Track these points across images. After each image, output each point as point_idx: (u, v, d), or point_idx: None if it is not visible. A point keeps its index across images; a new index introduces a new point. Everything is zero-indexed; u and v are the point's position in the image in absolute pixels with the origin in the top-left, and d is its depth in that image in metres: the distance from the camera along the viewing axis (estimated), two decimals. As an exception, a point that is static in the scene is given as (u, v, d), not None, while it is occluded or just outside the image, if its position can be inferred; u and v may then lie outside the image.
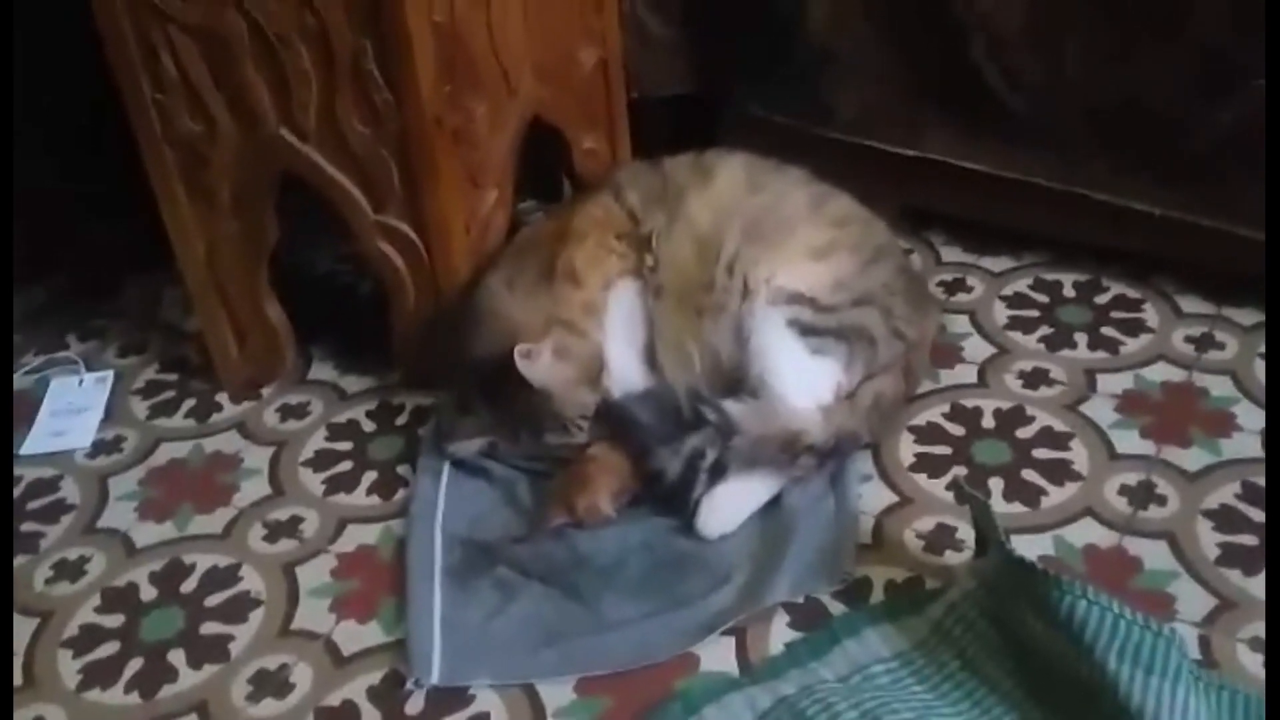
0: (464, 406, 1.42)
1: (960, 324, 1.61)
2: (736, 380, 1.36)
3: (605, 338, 1.38)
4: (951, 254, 1.75)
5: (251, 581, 1.35)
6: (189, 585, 1.36)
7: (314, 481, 1.47)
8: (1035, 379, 1.51)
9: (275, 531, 1.41)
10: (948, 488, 1.37)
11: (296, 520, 1.42)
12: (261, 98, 1.40)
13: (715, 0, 1.78)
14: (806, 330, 1.34)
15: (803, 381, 1.33)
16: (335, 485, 1.46)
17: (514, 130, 1.52)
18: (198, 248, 1.52)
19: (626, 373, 1.38)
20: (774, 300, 1.35)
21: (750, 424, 1.31)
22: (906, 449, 1.43)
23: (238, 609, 1.31)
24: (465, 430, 1.41)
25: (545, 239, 1.45)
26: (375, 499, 1.44)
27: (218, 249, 1.52)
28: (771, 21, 1.71)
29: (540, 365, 1.31)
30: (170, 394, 1.64)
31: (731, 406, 1.32)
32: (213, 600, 1.34)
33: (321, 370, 1.63)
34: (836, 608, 1.24)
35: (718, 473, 1.31)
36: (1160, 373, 1.50)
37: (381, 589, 1.31)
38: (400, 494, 1.43)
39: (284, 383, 1.61)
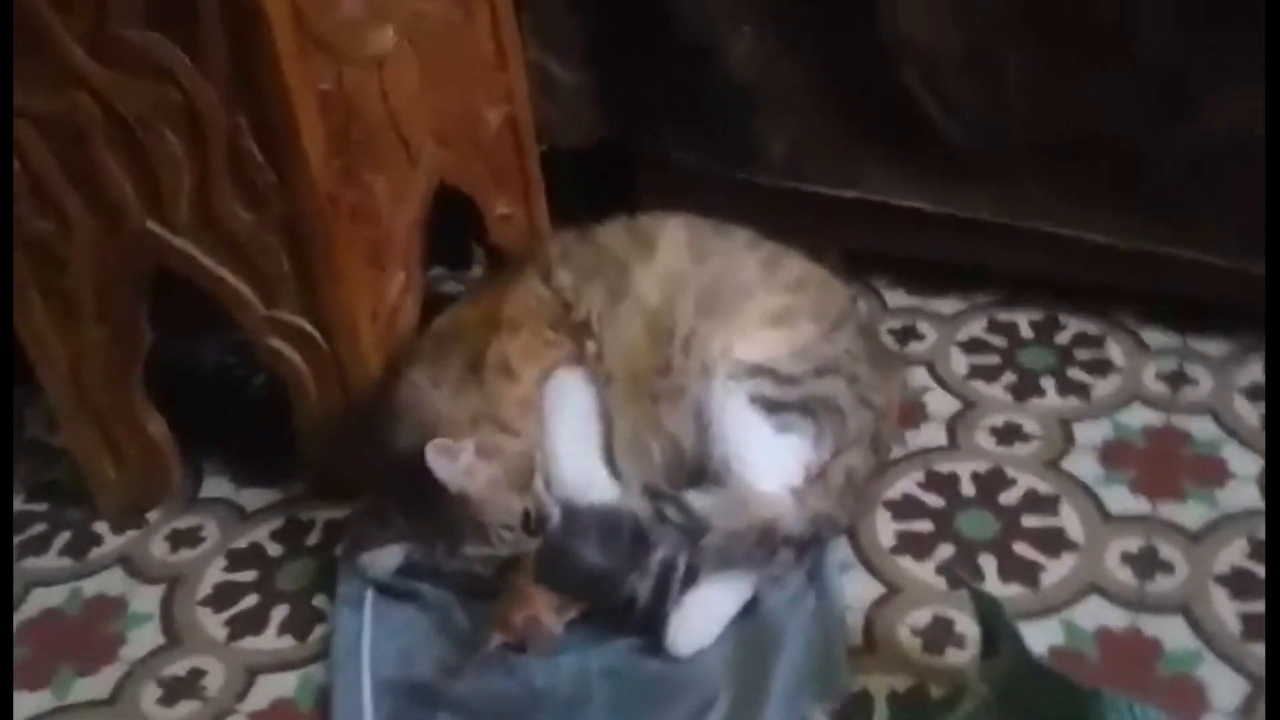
0: (379, 514, 1.24)
1: (920, 376, 1.49)
2: (699, 471, 1.21)
3: (547, 436, 1.22)
4: (897, 298, 1.64)
5: (150, 758, 1.15)
6: (74, 770, 1.15)
7: (215, 624, 1.28)
8: (1008, 434, 1.40)
9: (173, 691, 1.22)
10: (938, 571, 1.25)
11: (197, 674, 1.23)
12: (123, 189, 1.22)
13: (623, 39, 1.64)
14: (770, 406, 1.21)
15: (770, 462, 1.21)
16: (240, 627, 1.28)
17: (418, 202, 1.36)
18: (59, 360, 1.32)
19: (582, 473, 1.22)
20: (734, 374, 1.22)
21: (720, 518, 1.17)
22: (885, 529, 1.30)
23: (137, 797, 1.12)
24: (378, 539, 1.23)
25: (470, 327, 1.29)
26: (289, 640, 1.26)
27: (83, 360, 1.33)
28: (686, 60, 1.58)
29: (459, 466, 1.16)
30: (41, 527, 1.43)
31: (697, 500, 1.18)
32: (103, 787, 1.14)
33: (215, 486, 1.44)
34: (837, 730, 1.10)
35: (688, 580, 1.16)
36: (1138, 416, 1.40)
37: (305, 754, 1.13)
38: (318, 631, 1.26)
39: (172, 504, 1.42)
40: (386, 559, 1.23)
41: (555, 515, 1.19)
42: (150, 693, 1.22)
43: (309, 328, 1.28)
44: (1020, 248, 1.52)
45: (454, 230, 1.67)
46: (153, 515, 1.41)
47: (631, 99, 1.66)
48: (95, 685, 1.23)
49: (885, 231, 1.60)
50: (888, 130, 1.53)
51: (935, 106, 1.49)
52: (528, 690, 1.15)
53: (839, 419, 1.25)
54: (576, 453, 1.24)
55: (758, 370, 1.22)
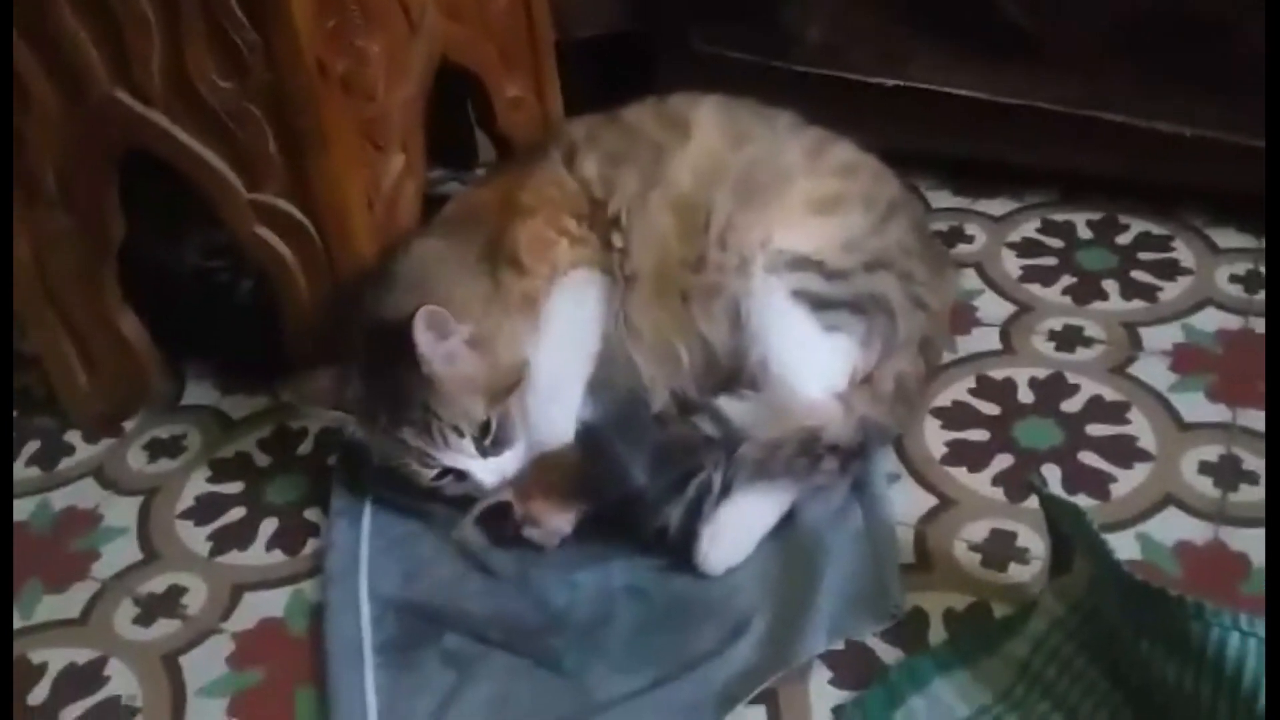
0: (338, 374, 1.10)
1: (968, 279, 1.37)
2: (733, 377, 1.09)
3: (538, 343, 1.10)
4: (942, 199, 1.51)
5: (122, 682, 1.05)
6: (40, 694, 1.05)
7: (196, 539, 1.17)
8: (1069, 339, 1.28)
9: (150, 609, 1.11)
10: (995, 482, 1.12)
11: (177, 592, 1.12)
12: (86, 53, 1.09)
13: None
14: (815, 302, 1.09)
15: (815, 365, 1.09)
16: (225, 541, 1.17)
17: (419, 77, 1.22)
18: (22, 252, 1.20)
19: (552, 395, 1.10)
20: (773, 267, 1.09)
21: (758, 425, 1.05)
22: (935, 438, 1.17)
23: (107, 721, 1.01)
24: (323, 390, 1.09)
25: (487, 210, 1.16)
26: (278, 555, 1.14)
27: (48, 253, 1.21)
28: (714, -66, 1.44)
29: (445, 345, 1.04)
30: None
31: (731, 406, 1.06)
32: (72, 713, 1.02)
33: (198, 393, 1.34)
34: (889, 653, 0.98)
35: (721, 494, 1.04)
36: (1212, 320, 1.28)
37: (296, 678, 1.02)
38: (310, 546, 1.14)
39: (150, 412, 1.31)
40: (319, 403, 1.09)
41: (516, 447, 1.07)
42: (125, 611, 1.11)
43: (297, 214, 1.15)
44: (1080, 141, 1.40)
45: (456, 126, 1.55)
46: (129, 424, 1.31)
47: (653, -20, 1.53)
48: (64, 603, 1.12)
49: (931, 125, 1.47)
50: (938, 9, 1.40)
51: (999, -15, 1.35)
52: (542, 610, 1.04)
53: (889, 319, 1.12)
54: (554, 369, 1.11)
55: (802, 262, 1.10)
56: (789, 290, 1.08)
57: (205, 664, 1.05)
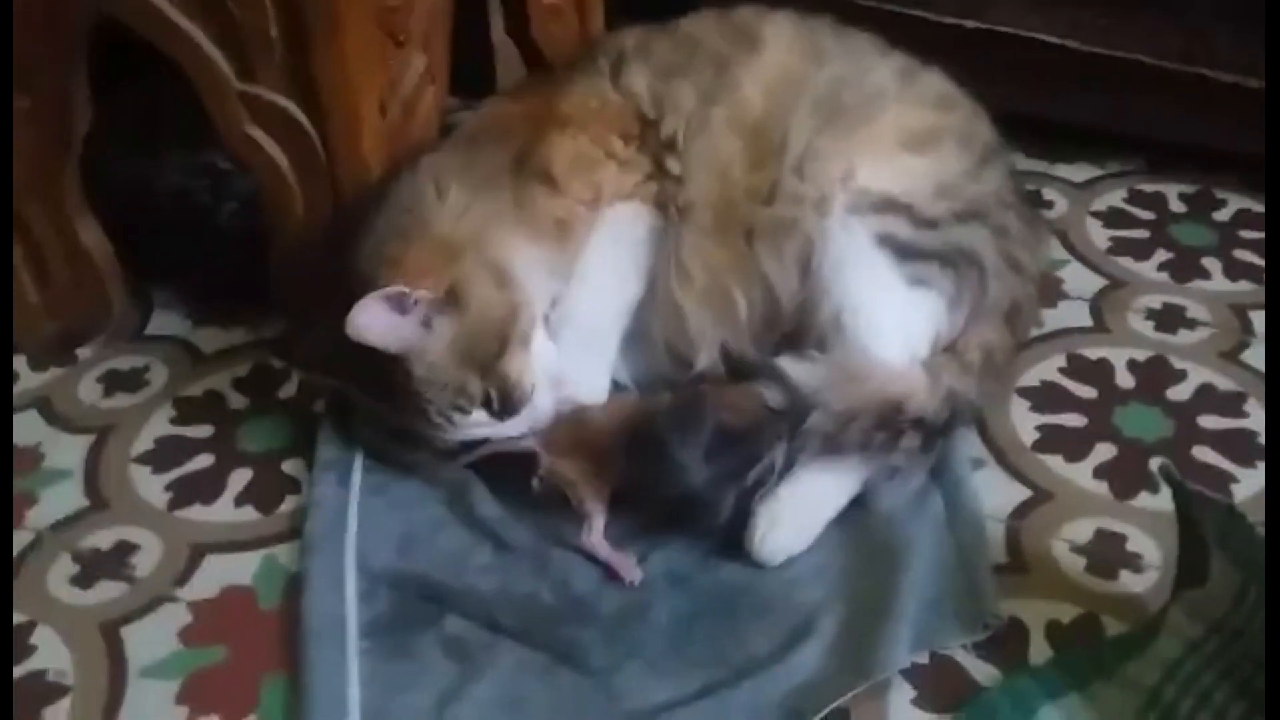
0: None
1: (1052, 248, 1.20)
2: (797, 334, 0.94)
3: (570, 282, 0.94)
4: (1016, 161, 1.33)
5: (51, 653, 0.88)
6: (-47, 660, 0.87)
7: (153, 488, 1.01)
8: (1170, 319, 1.14)
9: (92, 568, 0.94)
10: (1097, 474, 0.97)
11: (125, 549, 0.96)
12: (58, -104, 0.91)
13: None
14: (902, 252, 0.93)
15: (897, 323, 0.94)
16: (186, 493, 1.00)
17: (450, -36, 1.05)
18: (-34, 136, 1.02)
19: (591, 341, 0.96)
20: (856, 208, 0.93)
21: (828, 391, 0.88)
22: (1024, 421, 1.02)
23: (29, 702, 0.84)
24: (323, 355, 0.94)
25: (515, 122, 1.00)
26: (249, 513, 0.98)
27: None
28: None
29: (407, 321, 0.87)
30: (-61, 358, 1.14)
31: (796, 369, 0.90)
32: (-12, 685, 0.85)
33: (166, 321, 1.18)
34: (982, 670, 0.83)
35: (783, 474, 0.88)
36: (1332, 307, 1.13)
37: (263, 660, 0.86)
38: (288, 504, 0.98)
39: (109, 340, 1.15)
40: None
41: (541, 401, 0.91)
42: (61, 569, 0.93)
43: (297, 112, 1.00)
44: (1183, 103, 1.26)
45: (473, 48, 1.37)
46: (84, 352, 1.16)
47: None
48: (-9, 555, 0.95)
49: (1011, 75, 1.30)
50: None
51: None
52: (564, 594, 0.87)
53: (980, 277, 0.97)
54: (588, 315, 0.96)
55: (889, 204, 0.94)
56: (872, 235, 0.93)
57: (153, 638, 0.88)
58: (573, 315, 0.96)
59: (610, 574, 0.88)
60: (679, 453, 0.86)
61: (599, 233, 0.97)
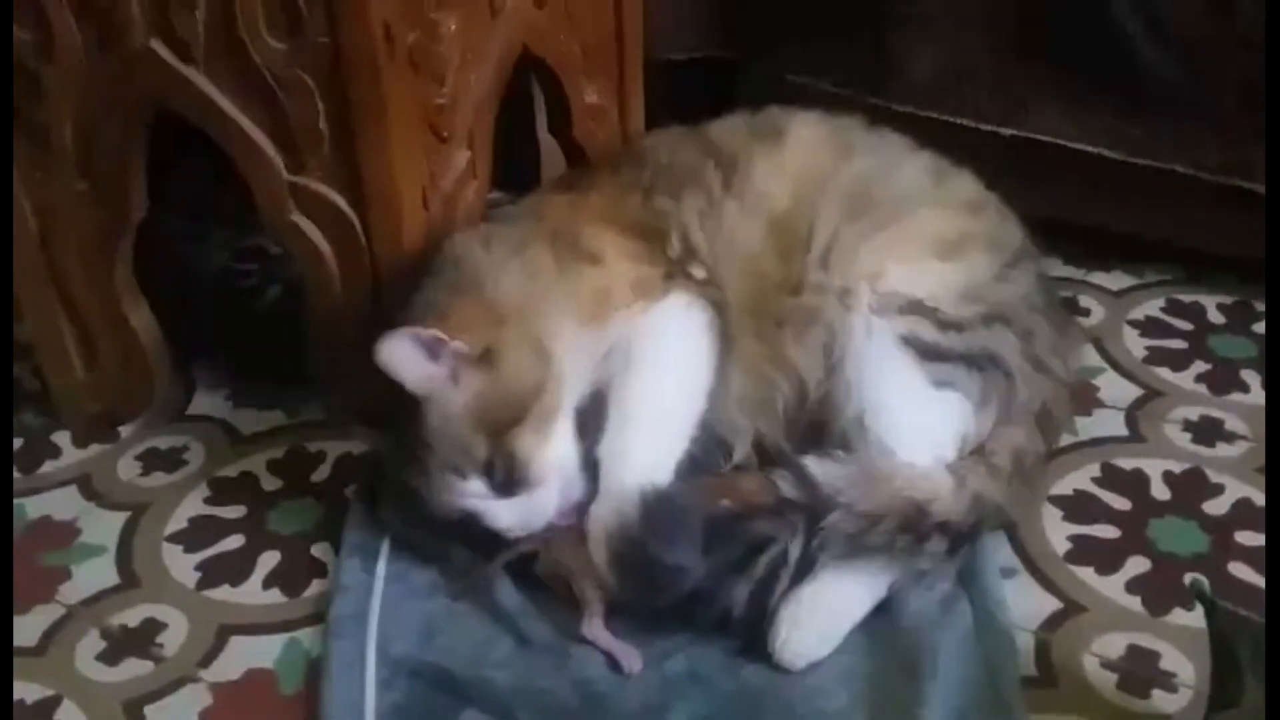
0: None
1: (1087, 355, 1.21)
2: (822, 431, 0.94)
3: (621, 384, 0.94)
4: (1052, 268, 1.34)
5: (73, 730, 0.88)
6: (-24, 734, 0.87)
7: (183, 567, 1.02)
8: (1207, 432, 1.12)
9: (118, 645, 0.96)
10: (1130, 588, 0.95)
11: (153, 628, 0.97)
12: (124, -6, 0.95)
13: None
14: (927, 353, 0.93)
15: (922, 425, 0.94)
16: (216, 573, 1.02)
17: (496, 66, 1.09)
18: (25, 215, 1.06)
19: (664, 427, 0.94)
20: (882, 309, 0.94)
21: (851, 492, 0.88)
22: (1056, 530, 1.01)
23: (49, 777, 0.84)
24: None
25: (557, 207, 1.02)
26: (276, 595, 0.99)
27: (56, 219, 1.07)
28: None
29: (435, 366, 0.88)
30: (-13, 432, 1.17)
31: (820, 467, 0.89)
32: (9, 762, 0.86)
33: (207, 401, 1.20)
34: (1008, 789, 0.80)
35: (801, 570, 0.87)
36: (1372, 425, 1.11)
37: (282, 745, 0.85)
38: (314, 588, 0.99)
39: (151, 419, 1.17)
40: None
41: (544, 495, 0.91)
42: (89, 645, 0.95)
43: (341, 203, 1.01)
44: (1224, 214, 1.25)
45: (521, 146, 1.41)
46: (126, 430, 1.18)
47: (747, 6, 1.40)
48: (22, 628, 0.97)
49: (1048, 182, 1.31)
50: (1068, 46, 1.26)
51: (1140, 27, 1.21)
52: (584, 690, 0.87)
53: (1008, 381, 0.97)
54: (658, 402, 0.95)
55: (915, 306, 0.95)
56: (896, 335, 0.94)
57: (175, 717, 0.88)
58: (643, 395, 0.95)
59: (612, 663, 0.87)
60: (668, 555, 0.85)
61: (661, 319, 0.97)
